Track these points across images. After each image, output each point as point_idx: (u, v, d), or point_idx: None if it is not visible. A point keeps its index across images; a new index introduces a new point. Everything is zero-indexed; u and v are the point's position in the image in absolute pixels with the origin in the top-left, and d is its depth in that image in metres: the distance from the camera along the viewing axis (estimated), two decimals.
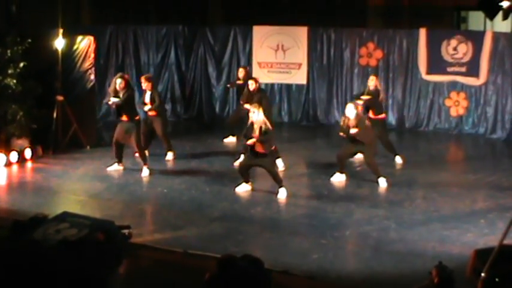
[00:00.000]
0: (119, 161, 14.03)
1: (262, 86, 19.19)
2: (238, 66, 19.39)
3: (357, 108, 13.12)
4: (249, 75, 16.43)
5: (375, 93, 14.79)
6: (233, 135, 16.41)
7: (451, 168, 15.38)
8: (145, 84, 14.71)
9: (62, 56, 15.43)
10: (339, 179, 13.40)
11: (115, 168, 14.00)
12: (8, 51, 14.60)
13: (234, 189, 12.69)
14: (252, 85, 15.12)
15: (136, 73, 19.59)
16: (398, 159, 14.85)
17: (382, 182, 13.08)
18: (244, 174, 12.73)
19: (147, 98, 14.74)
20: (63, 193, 12.85)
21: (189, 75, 19.80)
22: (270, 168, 12.58)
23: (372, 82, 15.00)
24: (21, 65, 14.67)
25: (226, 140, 16.58)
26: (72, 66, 16.06)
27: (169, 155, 15.03)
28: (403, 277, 9.02)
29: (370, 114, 14.50)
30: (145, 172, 13.72)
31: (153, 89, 14.84)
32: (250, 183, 12.77)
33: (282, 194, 12.38)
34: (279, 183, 12.47)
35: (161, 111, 14.95)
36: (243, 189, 12.71)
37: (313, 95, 19.30)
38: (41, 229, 9.51)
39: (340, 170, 13.45)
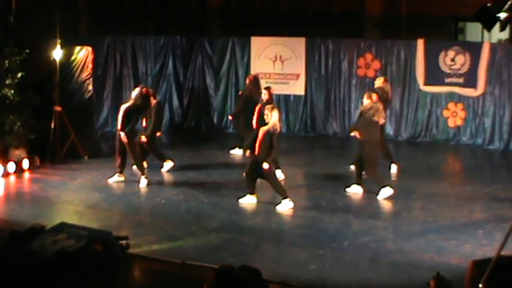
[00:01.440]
0: (121, 172, 13.97)
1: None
2: (236, 76, 19.46)
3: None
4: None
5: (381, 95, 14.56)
6: (240, 147, 16.10)
7: (448, 179, 15.37)
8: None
9: (60, 67, 15.45)
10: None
11: (116, 179, 13.99)
12: (6, 61, 14.62)
13: (238, 201, 12.67)
14: (264, 95, 15.07)
15: (134, 83, 19.59)
16: (393, 168, 14.86)
17: (384, 193, 13.05)
18: (251, 184, 12.67)
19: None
20: (61, 203, 12.83)
21: (187, 86, 19.81)
22: (271, 181, 12.58)
23: (379, 81, 15.11)
24: (19, 75, 14.69)
25: (232, 152, 16.43)
26: (70, 77, 16.08)
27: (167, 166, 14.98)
28: None
29: None
30: (143, 183, 13.70)
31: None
32: (256, 194, 12.69)
33: (283, 206, 12.35)
34: (282, 194, 12.45)
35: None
36: (248, 201, 12.68)
37: (311, 106, 19.30)
38: (39, 240, 9.52)
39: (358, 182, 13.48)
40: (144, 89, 14.27)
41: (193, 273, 9.40)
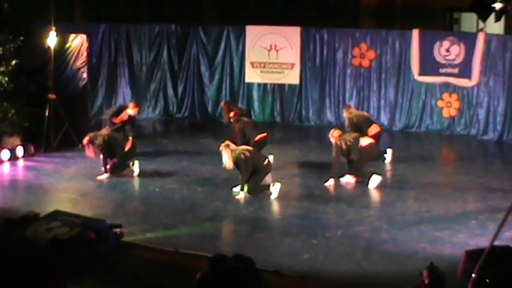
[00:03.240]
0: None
1: (255, 86, 19.36)
2: (231, 66, 19.44)
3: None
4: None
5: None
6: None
7: (442, 169, 15.41)
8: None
9: (54, 54, 15.41)
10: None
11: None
12: (0, 48, 14.56)
13: (232, 190, 12.67)
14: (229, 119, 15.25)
15: (129, 72, 19.57)
16: (388, 157, 14.86)
17: (373, 180, 13.10)
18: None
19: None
20: (55, 191, 12.83)
21: (182, 75, 19.78)
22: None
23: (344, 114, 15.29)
24: (13, 62, 14.64)
25: None
26: (64, 65, 16.04)
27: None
28: (394, 278, 9.05)
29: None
30: (137, 169, 13.65)
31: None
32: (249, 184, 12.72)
33: (275, 190, 12.37)
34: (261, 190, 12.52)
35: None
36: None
37: (305, 95, 19.31)
38: (32, 227, 9.51)
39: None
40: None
41: (187, 261, 9.42)
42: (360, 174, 13.33)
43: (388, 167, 14.59)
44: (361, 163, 13.35)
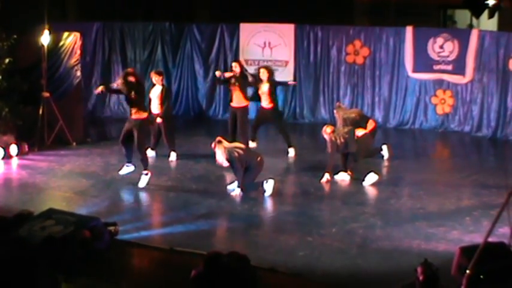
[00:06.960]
0: (129, 161, 13.12)
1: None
2: (225, 63, 19.41)
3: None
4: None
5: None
6: (253, 141, 15.43)
7: (436, 166, 15.43)
8: (156, 78, 14.76)
9: (48, 52, 15.38)
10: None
11: (127, 170, 13.18)
12: None
13: (226, 187, 12.66)
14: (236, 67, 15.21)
15: (123, 70, 19.47)
16: (385, 152, 14.87)
17: (369, 178, 13.12)
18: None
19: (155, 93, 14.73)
20: (49, 190, 12.80)
21: (176, 73, 19.77)
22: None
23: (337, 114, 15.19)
24: (7, 61, 14.60)
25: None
26: (58, 63, 16.01)
27: (173, 156, 14.90)
28: (388, 274, 9.04)
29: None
30: (143, 181, 12.88)
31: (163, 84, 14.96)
32: None
33: (269, 187, 12.36)
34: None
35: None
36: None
37: (299, 93, 19.31)
38: (26, 226, 9.49)
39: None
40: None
41: (181, 259, 9.41)
42: (357, 160, 13.34)
43: (382, 164, 14.60)
44: (359, 155, 13.37)
